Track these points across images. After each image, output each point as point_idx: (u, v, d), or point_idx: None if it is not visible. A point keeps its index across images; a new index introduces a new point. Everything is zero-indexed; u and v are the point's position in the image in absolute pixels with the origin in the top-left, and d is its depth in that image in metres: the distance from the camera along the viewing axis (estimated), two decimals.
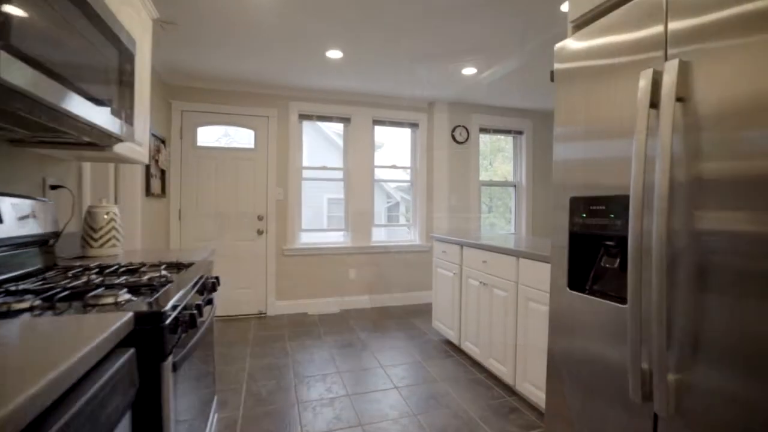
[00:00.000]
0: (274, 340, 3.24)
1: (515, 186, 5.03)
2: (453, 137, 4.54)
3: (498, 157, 5.24)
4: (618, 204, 1.15)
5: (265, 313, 3.95)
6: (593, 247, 1.26)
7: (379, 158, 4.61)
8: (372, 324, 3.67)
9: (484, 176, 4.88)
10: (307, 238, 4.18)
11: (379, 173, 4.63)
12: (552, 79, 1.76)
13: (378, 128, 4.38)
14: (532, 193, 5.03)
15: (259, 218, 3.92)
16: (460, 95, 4.23)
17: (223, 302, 3.82)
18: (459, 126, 4.55)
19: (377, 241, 4.36)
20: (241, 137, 3.97)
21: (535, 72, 3.46)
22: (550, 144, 5.18)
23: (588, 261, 1.28)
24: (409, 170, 4.55)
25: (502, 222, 5.12)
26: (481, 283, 2.57)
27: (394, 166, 4.52)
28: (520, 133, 4.95)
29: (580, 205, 1.30)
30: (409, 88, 3.95)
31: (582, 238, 1.29)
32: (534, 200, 5.06)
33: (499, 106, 4.72)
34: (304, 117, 4.09)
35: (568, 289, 1.32)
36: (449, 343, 3.17)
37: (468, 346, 2.74)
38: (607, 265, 1.22)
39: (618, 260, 1.19)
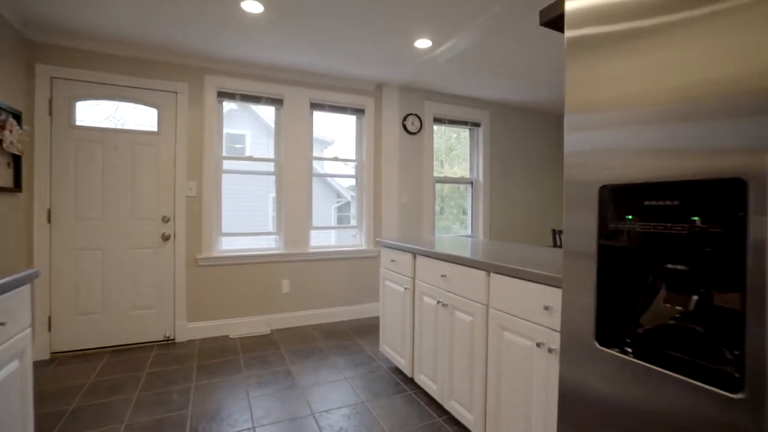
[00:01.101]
0: (176, 377, 2.49)
1: (472, 183, 4.60)
2: (404, 127, 3.99)
3: (449, 157, 4.78)
4: (713, 195, 0.63)
5: (172, 339, 3.15)
6: (640, 272, 0.73)
7: (321, 151, 3.96)
8: (308, 347, 3.02)
9: (437, 173, 4.40)
10: (231, 244, 3.43)
11: (320, 167, 3.98)
12: (542, 23, 1.28)
13: (318, 114, 3.72)
14: (490, 191, 4.63)
15: (165, 220, 3.12)
16: (412, 78, 3.70)
17: (115, 328, 2.98)
18: (411, 114, 4.02)
19: (317, 246, 3.71)
20: (140, 117, 3.13)
21: (496, 53, 3.01)
22: (509, 137, 4.82)
23: (628, 295, 0.75)
24: (353, 164, 3.94)
25: (456, 225, 4.67)
26: (439, 302, 2.02)
27: (335, 159, 3.89)
28: (477, 125, 4.52)
29: (621, 199, 0.76)
30: (354, 64, 3.34)
31: (622, 256, 0.76)
32: (492, 199, 4.66)
33: (454, 94, 4.25)
34: (225, 96, 3.33)
35: (596, 344, 0.78)
36: (401, 372, 2.61)
37: (423, 380, 2.18)
38: (677, 307, 0.69)
39: (695, 299, 0.67)
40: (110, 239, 2.97)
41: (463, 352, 1.83)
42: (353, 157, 3.93)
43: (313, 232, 3.70)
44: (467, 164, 4.63)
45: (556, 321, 1.31)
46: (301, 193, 3.59)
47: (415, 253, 2.29)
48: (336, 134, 4.05)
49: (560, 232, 4.14)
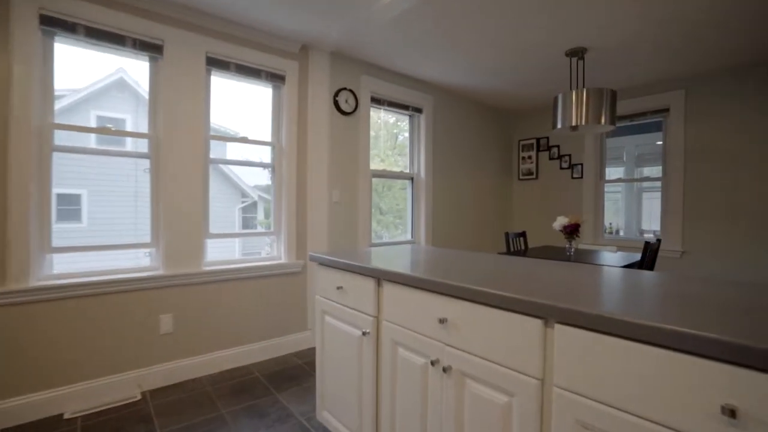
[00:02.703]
0: None
1: (412, 179, 3.92)
2: (336, 104, 3.13)
3: (382, 150, 4.05)
4: None
5: None
6: None
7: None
8: (202, 420, 1.97)
9: (374, 165, 3.62)
10: (70, 264, 2.19)
11: (221, 153, 2.89)
12: None
13: (220, 81, 2.65)
14: (433, 189, 4.00)
15: None
16: (348, 41, 2.85)
17: None
18: (345, 89, 3.16)
19: (216, 262, 2.63)
20: None
21: (451, 22, 2.33)
22: (454, 128, 4.25)
23: None
24: (269, 149, 2.94)
25: (390, 228, 3.95)
26: (434, 363, 1.22)
27: (244, 140, 2.83)
28: (419, 110, 3.86)
29: None
30: (275, 4, 2.37)
31: None
32: (435, 199, 4.04)
33: (396, 71, 3.52)
34: (53, 24, 2.08)
35: None
36: None
37: None
38: None
39: None
40: None
41: None
42: (268, 138, 2.92)
43: (210, 243, 2.62)
44: (406, 158, 3.93)
45: None
46: (193, 187, 2.48)
47: (379, 279, 1.46)
48: (245, 119, 3.02)
49: (516, 235, 3.68)
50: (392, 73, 3.54)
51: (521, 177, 5.01)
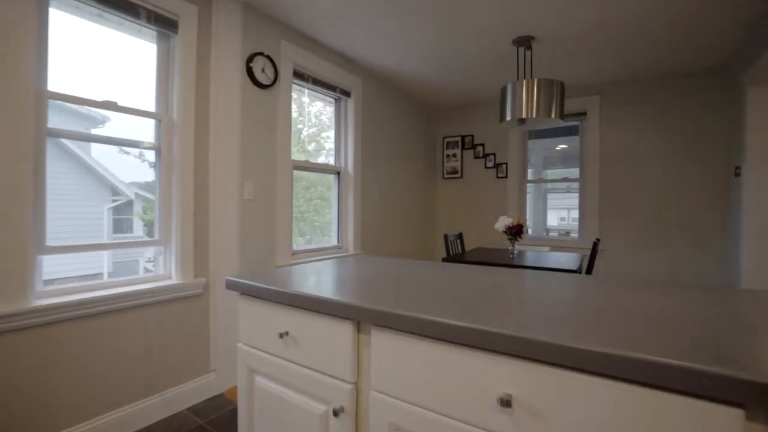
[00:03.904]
0: None
1: (339, 173, 3.35)
2: (250, 73, 2.40)
3: (307, 137, 3.41)
4: None
5: None
6: None
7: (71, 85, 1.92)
8: None
9: (296, 156, 2.96)
10: None
11: (67, 122, 1.95)
12: None
13: (67, 16, 1.73)
14: (362, 185, 3.49)
15: None
16: None
17: None
18: (261, 55, 2.46)
19: (62, 290, 1.71)
20: None
21: None
22: (384, 118, 3.80)
23: None
24: (152, 123, 2.09)
25: (308, 230, 3.32)
26: None
27: (109, 105, 1.92)
28: (347, 94, 3.31)
29: None
30: None
31: None
32: (364, 197, 3.53)
33: (322, 42, 2.92)
34: None
35: None
36: None
37: None
38: None
39: None
40: None
41: None
42: (150, 107, 2.06)
43: (54, 260, 1.69)
44: (327, 154, 3.35)
45: None
46: (11, 173, 1.54)
47: (360, 321, 0.89)
48: (113, 80, 2.05)
49: (455, 237, 3.37)
50: (318, 45, 2.93)
51: (446, 175, 4.81)
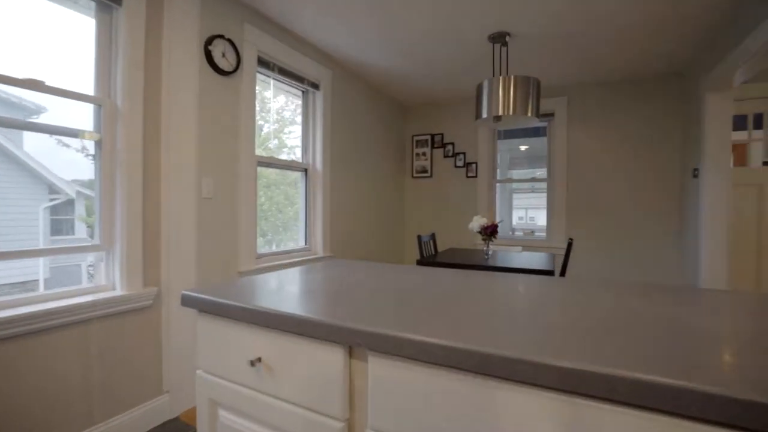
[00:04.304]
0: None
1: (306, 171, 3.15)
2: (209, 57, 2.16)
3: (269, 134, 3.18)
4: None
5: None
6: None
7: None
8: None
9: (260, 151, 2.74)
10: None
11: None
12: None
13: None
14: (331, 183, 3.31)
15: None
16: None
17: None
18: (221, 38, 2.21)
19: None
20: None
21: None
22: (352, 111, 3.63)
23: None
24: (91, 109, 1.80)
25: (270, 230, 3.10)
26: None
27: (41, 86, 1.61)
28: (316, 86, 3.11)
29: None
30: None
31: None
32: (333, 196, 3.35)
33: (291, 29, 2.70)
34: None
35: None
36: None
37: None
38: None
39: None
40: None
41: None
42: (90, 91, 1.77)
43: None
44: (292, 151, 3.14)
45: None
46: None
47: (352, 346, 0.74)
48: (42, 56, 1.73)
49: (428, 238, 3.27)
50: (286, 32, 2.71)
51: (415, 174, 4.72)
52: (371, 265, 1.46)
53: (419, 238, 3.11)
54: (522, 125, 2.99)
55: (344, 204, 3.48)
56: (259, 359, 0.86)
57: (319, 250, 3.15)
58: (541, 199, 4.30)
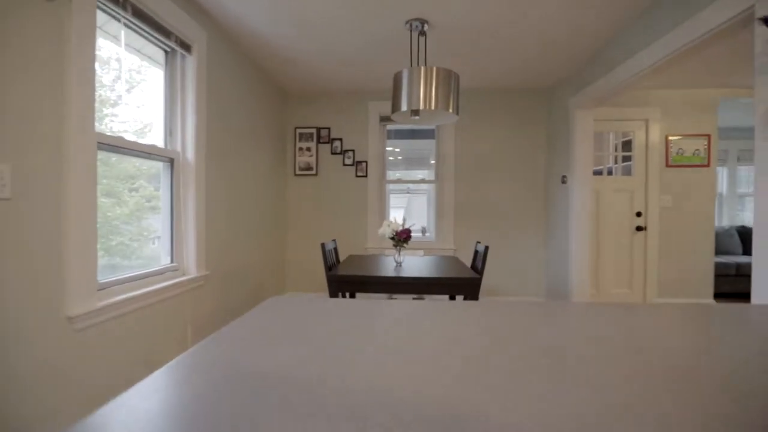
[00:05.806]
0: None
1: (171, 161, 2.32)
2: None
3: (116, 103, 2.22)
4: None
5: None
6: None
7: None
8: None
9: (101, 126, 1.83)
10: None
11: None
12: None
13: None
14: (206, 178, 2.53)
15: None
16: None
17: None
18: None
19: None
20: None
21: None
22: (229, 87, 2.90)
23: None
24: None
25: (122, 240, 2.17)
26: None
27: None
28: (187, 48, 2.31)
29: None
30: None
31: None
32: (209, 196, 2.58)
33: None
34: None
35: None
36: None
37: None
38: None
39: None
40: None
41: None
42: None
43: None
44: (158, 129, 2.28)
45: None
46: None
47: None
48: None
49: (332, 245, 2.80)
50: None
51: (298, 171, 4.17)
52: (317, 306, 0.97)
53: (323, 246, 2.64)
54: (440, 122, 2.83)
55: (221, 206, 2.73)
56: None
57: (192, 268, 2.36)
58: (420, 200, 4.34)
